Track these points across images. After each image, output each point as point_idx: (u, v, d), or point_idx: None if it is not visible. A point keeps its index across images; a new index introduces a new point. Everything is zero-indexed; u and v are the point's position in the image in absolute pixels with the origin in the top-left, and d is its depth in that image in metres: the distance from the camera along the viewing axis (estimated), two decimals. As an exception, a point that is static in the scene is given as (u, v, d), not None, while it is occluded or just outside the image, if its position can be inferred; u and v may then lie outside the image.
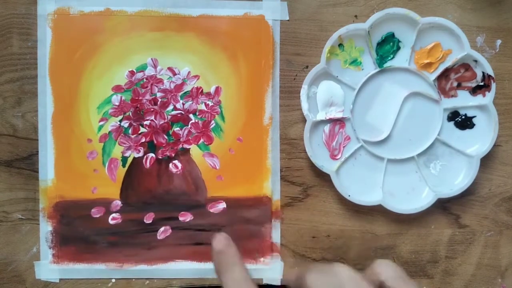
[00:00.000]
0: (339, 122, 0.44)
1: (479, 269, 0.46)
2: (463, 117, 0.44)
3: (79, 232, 0.43)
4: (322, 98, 0.43)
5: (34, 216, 0.43)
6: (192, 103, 0.44)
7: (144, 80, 0.43)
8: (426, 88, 0.44)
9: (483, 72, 0.43)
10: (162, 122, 0.44)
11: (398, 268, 0.30)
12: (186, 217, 0.44)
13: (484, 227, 0.46)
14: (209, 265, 0.44)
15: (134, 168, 0.44)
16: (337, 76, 0.43)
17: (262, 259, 0.44)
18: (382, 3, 0.44)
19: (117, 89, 0.43)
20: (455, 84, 0.44)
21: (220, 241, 0.31)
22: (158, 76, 0.44)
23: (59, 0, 0.43)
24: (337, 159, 0.44)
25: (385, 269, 0.29)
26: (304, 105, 0.43)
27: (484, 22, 0.45)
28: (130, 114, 0.43)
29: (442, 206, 0.45)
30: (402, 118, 0.44)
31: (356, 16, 0.44)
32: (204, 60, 0.44)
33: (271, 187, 0.44)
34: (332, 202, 0.45)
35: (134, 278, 0.44)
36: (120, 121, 0.43)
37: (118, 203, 0.43)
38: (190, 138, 0.44)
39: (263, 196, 0.44)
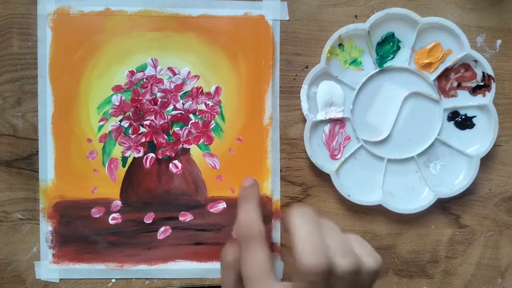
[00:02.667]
0: (339, 122, 0.44)
1: (479, 269, 0.46)
2: (463, 117, 0.44)
3: (79, 232, 0.43)
4: (322, 98, 0.43)
5: (34, 216, 0.43)
6: (192, 103, 0.44)
7: (144, 80, 0.43)
8: (426, 88, 0.44)
9: (483, 72, 0.43)
10: (162, 122, 0.44)
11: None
12: (186, 217, 0.44)
13: (484, 227, 0.46)
14: (209, 265, 0.44)
15: (134, 168, 0.44)
16: (337, 76, 0.43)
17: (262, 259, 0.44)
18: (382, 3, 0.44)
19: (117, 89, 0.43)
20: (455, 84, 0.44)
21: (248, 181, 0.37)
22: (158, 76, 0.44)
23: (59, 0, 0.43)
24: (337, 159, 0.44)
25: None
26: (304, 105, 0.43)
27: (484, 22, 0.45)
28: (130, 114, 0.43)
29: (442, 206, 0.45)
30: (402, 118, 0.44)
31: (356, 16, 0.44)
32: (204, 60, 0.44)
33: (271, 187, 0.44)
34: (332, 202, 0.45)
35: (134, 278, 0.44)
36: (120, 121, 0.43)
37: (118, 203, 0.43)
38: (190, 138, 0.44)
39: (263, 196, 0.44)
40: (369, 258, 0.31)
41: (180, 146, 0.44)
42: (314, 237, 0.30)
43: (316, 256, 0.29)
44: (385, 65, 0.43)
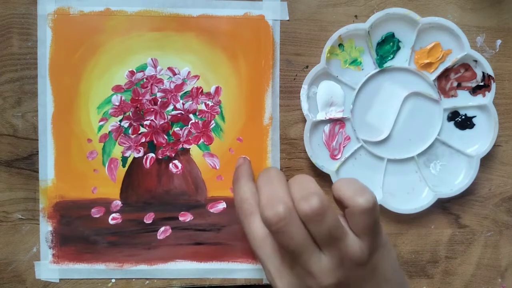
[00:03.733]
0: (339, 122, 0.44)
1: (479, 269, 0.46)
2: (463, 117, 0.44)
3: (79, 232, 0.43)
4: (322, 98, 0.43)
5: (34, 216, 0.43)
6: (192, 103, 0.44)
7: (144, 80, 0.43)
8: (426, 88, 0.44)
9: (483, 72, 0.43)
10: (162, 122, 0.44)
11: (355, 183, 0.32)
12: (186, 217, 0.44)
13: (484, 227, 0.46)
14: (209, 265, 0.44)
15: (134, 168, 0.44)
16: (337, 76, 0.43)
17: (262, 259, 0.44)
18: (382, 3, 0.44)
19: (117, 89, 0.43)
20: (455, 84, 0.44)
21: (239, 160, 0.41)
22: (158, 76, 0.44)
23: (59, 0, 0.43)
24: (337, 159, 0.44)
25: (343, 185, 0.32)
26: (304, 105, 0.43)
27: (484, 22, 0.45)
28: (130, 114, 0.43)
29: (442, 206, 0.45)
30: (402, 118, 0.44)
31: (356, 16, 0.44)
32: (204, 60, 0.44)
33: (271, 187, 0.44)
34: (332, 202, 0.44)
35: (134, 278, 0.44)
36: (120, 121, 0.43)
37: (118, 203, 0.43)
38: (190, 138, 0.44)
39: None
40: (356, 197, 0.30)
41: (180, 146, 0.44)
42: (266, 190, 0.32)
43: (270, 207, 0.30)
44: (385, 65, 0.43)
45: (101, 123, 0.43)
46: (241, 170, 0.39)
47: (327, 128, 0.44)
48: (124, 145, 0.43)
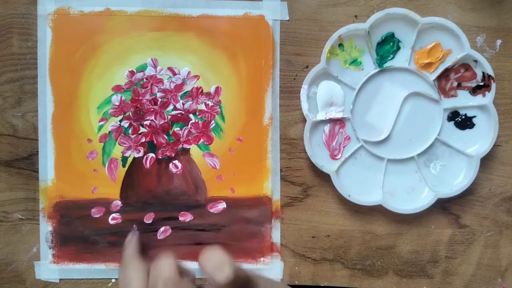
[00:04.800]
0: (339, 122, 0.44)
1: (479, 269, 0.46)
2: (463, 117, 0.44)
3: (79, 232, 0.43)
4: (322, 98, 0.43)
5: (34, 216, 0.43)
6: (192, 103, 0.44)
7: (144, 80, 0.43)
8: (426, 88, 0.44)
9: (483, 72, 0.43)
10: (162, 122, 0.44)
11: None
12: (186, 217, 0.44)
13: (484, 227, 0.46)
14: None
15: (134, 168, 0.44)
16: (337, 76, 0.43)
17: (262, 259, 0.44)
18: (382, 3, 0.44)
19: (117, 89, 0.43)
20: (455, 84, 0.44)
21: (127, 238, 0.41)
22: (158, 76, 0.44)
23: (59, 0, 0.43)
24: (337, 159, 0.44)
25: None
26: (304, 105, 0.43)
27: (484, 22, 0.45)
28: (130, 114, 0.43)
29: (442, 206, 0.45)
30: (402, 118, 0.44)
31: (356, 16, 0.44)
32: (204, 60, 0.44)
33: (271, 187, 0.44)
34: (332, 202, 0.45)
35: (134, 278, 0.44)
36: (120, 121, 0.43)
37: (118, 203, 0.43)
38: (190, 138, 0.44)
39: (263, 196, 0.44)
40: (215, 274, 0.30)
41: (180, 146, 0.44)
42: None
43: None
44: (385, 65, 0.43)
45: (101, 123, 0.43)
46: (127, 253, 0.39)
47: (327, 128, 0.44)
48: (124, 145, 0.43)
